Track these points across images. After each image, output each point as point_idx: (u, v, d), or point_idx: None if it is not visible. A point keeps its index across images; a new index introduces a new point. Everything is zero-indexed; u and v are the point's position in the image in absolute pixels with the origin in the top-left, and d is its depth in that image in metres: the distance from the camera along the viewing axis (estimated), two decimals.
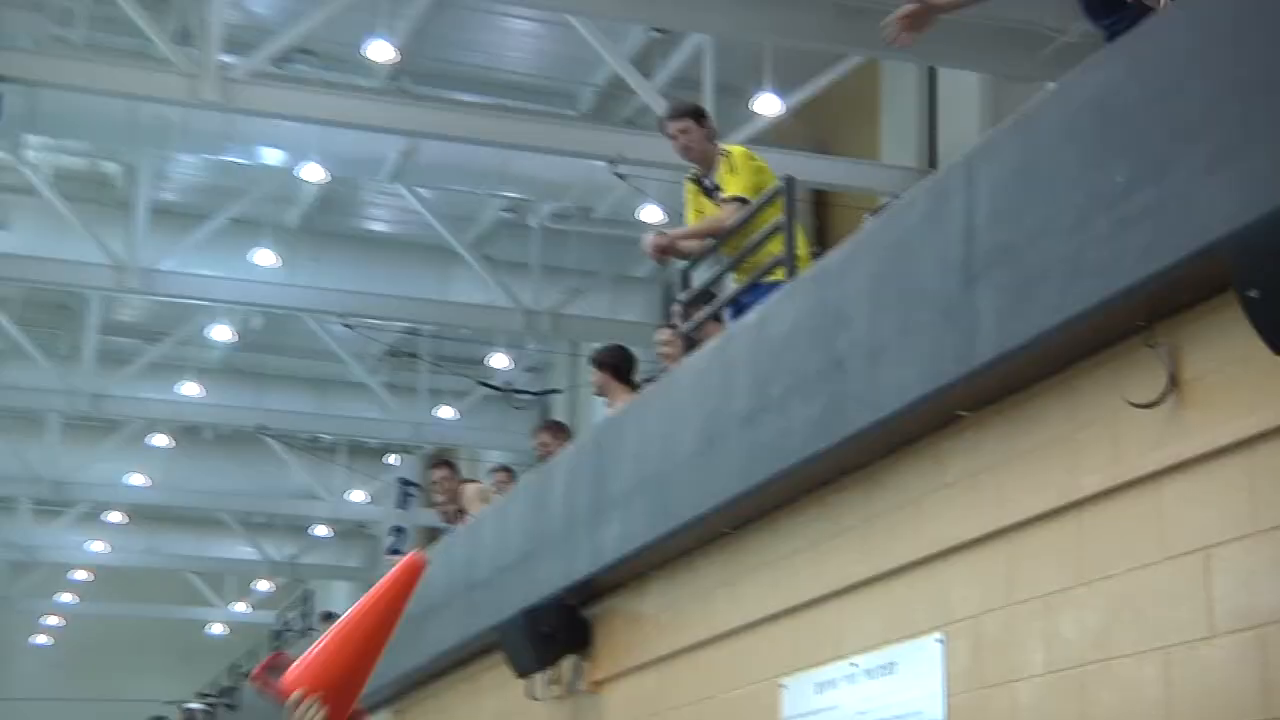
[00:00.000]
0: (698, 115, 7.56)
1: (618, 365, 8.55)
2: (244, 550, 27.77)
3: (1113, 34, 4.94)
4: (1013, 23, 12.63)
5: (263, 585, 30.89)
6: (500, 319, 18.13)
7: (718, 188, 7.39)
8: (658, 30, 14.68)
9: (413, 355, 21.45)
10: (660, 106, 13.95)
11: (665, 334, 8.03)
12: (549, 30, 15.25)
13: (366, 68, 15.07)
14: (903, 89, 15.21)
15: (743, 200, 7.23)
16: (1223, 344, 3.95)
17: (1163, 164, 3.90)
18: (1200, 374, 4.06)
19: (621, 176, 14.05)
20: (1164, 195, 3.88)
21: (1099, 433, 4.39)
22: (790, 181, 6.84)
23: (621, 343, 9.26)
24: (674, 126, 7.48)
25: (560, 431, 10.10)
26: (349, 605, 4.22)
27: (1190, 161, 3.80)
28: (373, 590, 3.69)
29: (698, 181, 7.54)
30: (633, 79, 14.09)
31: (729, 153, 7.45)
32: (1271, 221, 3.51)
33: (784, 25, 12.78)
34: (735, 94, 14.77)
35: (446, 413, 22.08)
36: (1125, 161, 4.04)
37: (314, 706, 3.48)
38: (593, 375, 8.71)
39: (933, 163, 14.65)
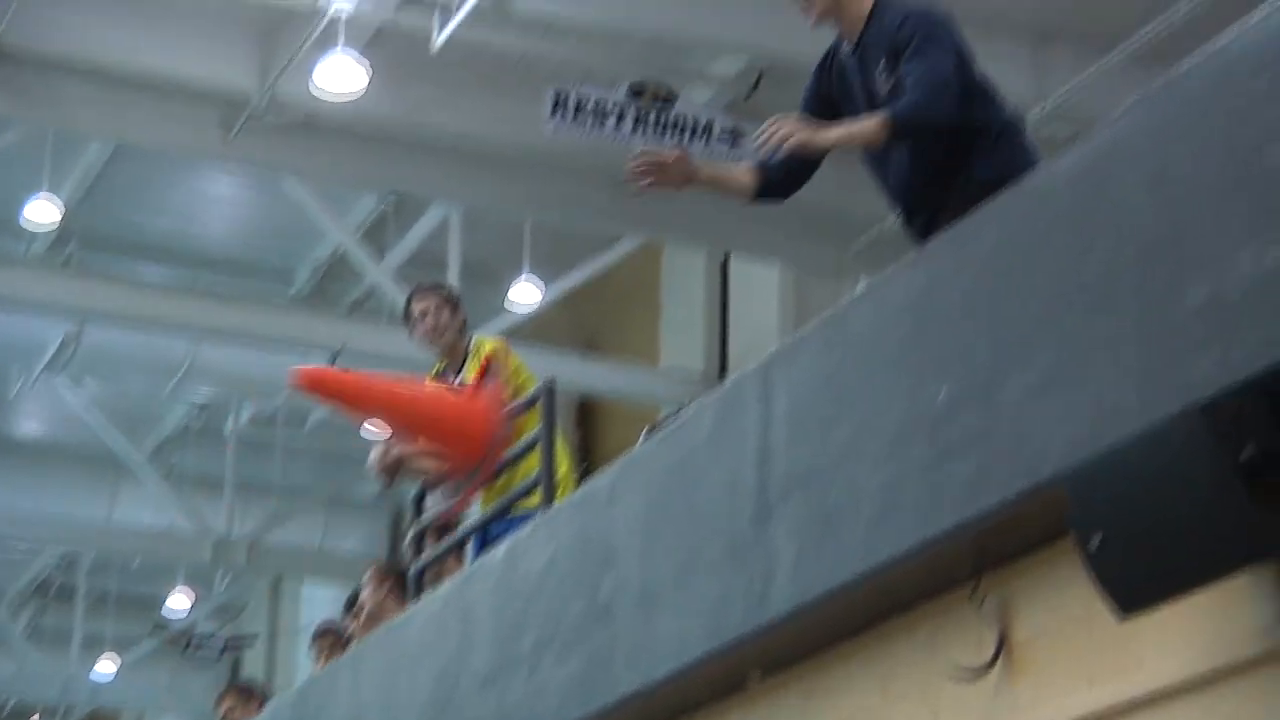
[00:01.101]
0: (449, 297, 7.63)
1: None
2: None
3: (926, 233, 5.17)
4: (820, 209, 13.06)
5: None
6: (183, 548, 17.74)
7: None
8: (393, 197, 14.81)
9: (66, 593, 20.81)
10: (393, 288, 14.02)
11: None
12: (257, 193, 15.26)
13: (24, 232, 14.84)
14: (689, 280, 15.54)
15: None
16: (1061, 600, 4.05)
17: (991, 382, 4.03)
18: (1034, 635, 4.15)
19: None
20: (992, 420, 4.00)
21: (915, 706, 4.44)
22: (550, 386, 6.88)
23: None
24: (419, 306, 7.52)
25: (250, 697, 9.89)
26: None
27: (1023, 380, 3.93)
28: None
29: (441, 380, 7.56)
30: (361, 256, 14.13)
31: (481, 347, 7.50)
32: (1117, 456, 3.63)
33: (548, 198, 13.02)
34: (488, 279, 14.94)
35: (106, 667, 21.37)
36: (947, 378, 4.16)
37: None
38: (367, 587, 8.25)
39: (723, 369, 14.93)
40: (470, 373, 7.42)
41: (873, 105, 5.32)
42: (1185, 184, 3.57)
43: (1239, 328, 3.34)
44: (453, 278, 14.06)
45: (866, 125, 5.19)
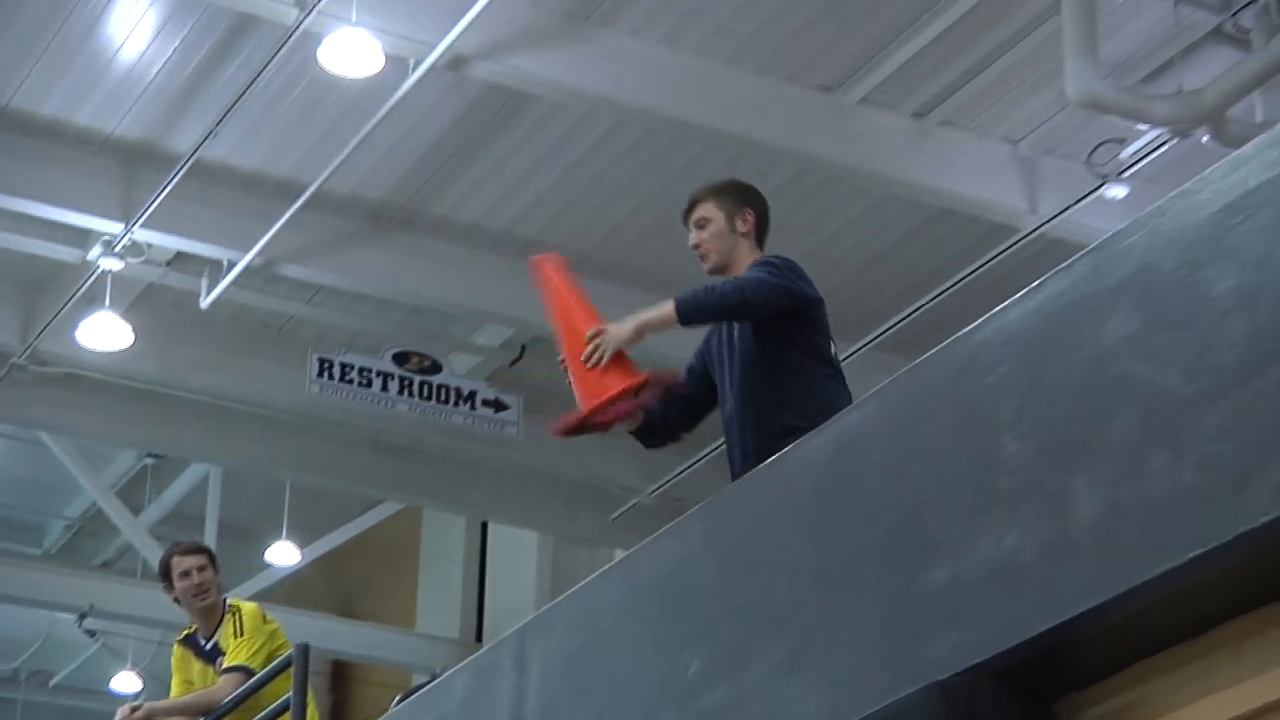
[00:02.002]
0: (214, 556, 7.53)
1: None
2: None
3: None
4: (580, 477, 13.17)
5: None
6: None
7: (219, 652, 7.28)
8: (151, 456, 14.59)
9: None
10: (147, 546, 13.73)
11: None
12: (13, 446, 14.92)
13: None
14: (448, 545, 15.49)
15: (247, 671, 7.13)
16: None
17: (741, 657, 4.07)
18: None
19: (92, 634, 13.61)
20: (741, 694, 4.03)
21: None
22: (304, 649, 6.77)
23: None
24: (186, 563, 7.38)
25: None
26: None
27: (772, 656, 3.98)
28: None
29: (192, 643, 7.41)
30: (116, 512, 13.85)
31: (238, 610, 7.38)
32: None
33: (310, 460, 12.93)
34: (245, 538, 14.72)
35: None
36: (698, 649, 4.20)
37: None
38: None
39: (479, 636, 14.82)
40: (227, 634, 7.29)
41: (731, 348, 5.37)
42: (927, 470, 3.68)
43: (976, 610, 3.42)
44: (209, 537, 13.83)
45: (664, 310, 5.21)
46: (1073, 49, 8.46)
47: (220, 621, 7.36)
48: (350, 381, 11.77)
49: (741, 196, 5.45)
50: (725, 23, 9.34)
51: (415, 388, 11.96)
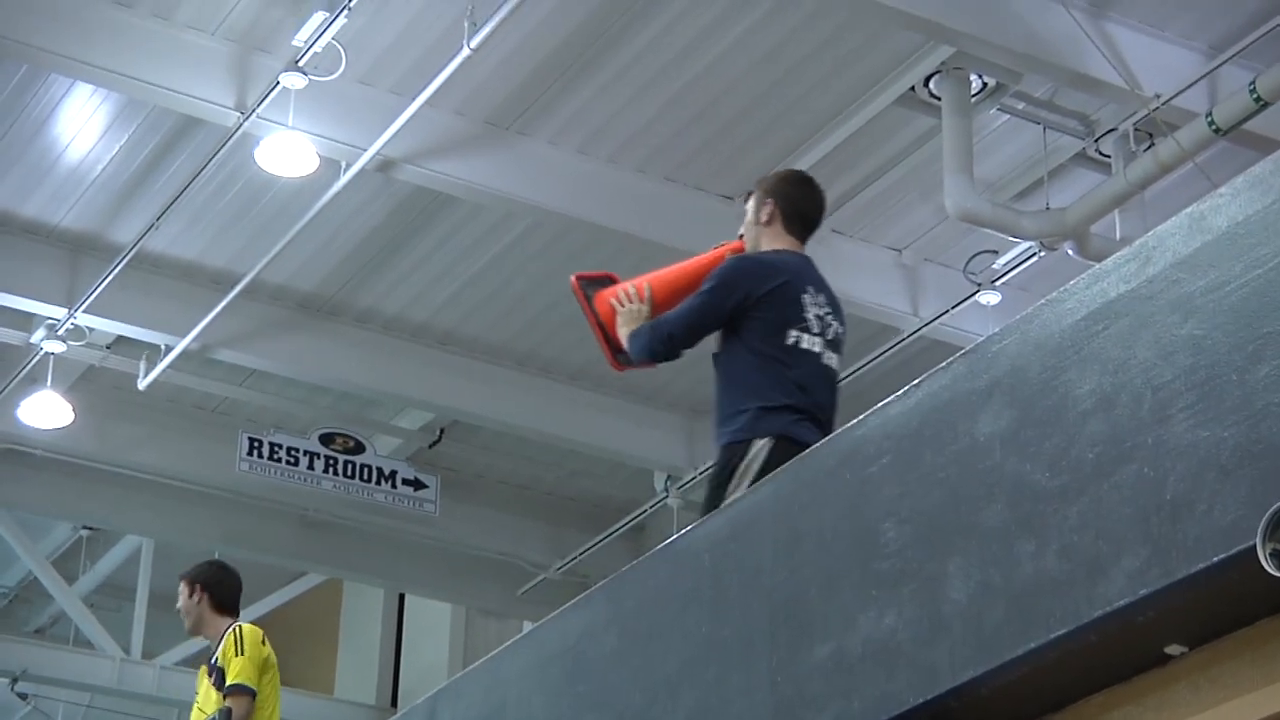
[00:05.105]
0: (197, 582, 7.57)
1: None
2: None
3: None
4: (493, 552, 13.12)
5: None
6: None
7: (217, 669, 7.24)
8: (87, 528, 14.40)
9: None
10: (80, 614, 13.53)
11: None
12: None
13: None
14: (366, 615, 15.35)
15: (248, 691, 7.09)
16: None
17: None
18: None
19: (24, 696, 13.36)
20: None
21: None
22: (226, 713, 6.71)
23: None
24: (179, 589, 7.55)
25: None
26: None
27: None
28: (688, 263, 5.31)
29: (209, 664, 7.43)
30: (51, 581, 13.64)
31: (239, 631, 7.35)
32: None
33: (237, 533, 12.81)
34: (175, 608, 14.48)
35: None
36: (599, 717, 4.19)
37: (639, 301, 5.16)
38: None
39: (394, 701, 14.68)
40: (227, 651, 7.24)
41: None
42: (813, 552, 3.70)
43: (857, 684, 3.44)
44: (140, 606, 13.65)
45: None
46: (951, 168, 8.59)
47: (220, 640, 7.34)
48: (278, 460, 11.68)
49: (769, 188, 5.33)
50: (635, 135, 9.43)
51: (340, 467, 11.89)
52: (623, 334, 5.19)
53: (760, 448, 4.82)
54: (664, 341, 5.10)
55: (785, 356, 5.03)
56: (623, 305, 5.20)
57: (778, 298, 5.09)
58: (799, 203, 5.33)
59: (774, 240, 5.26)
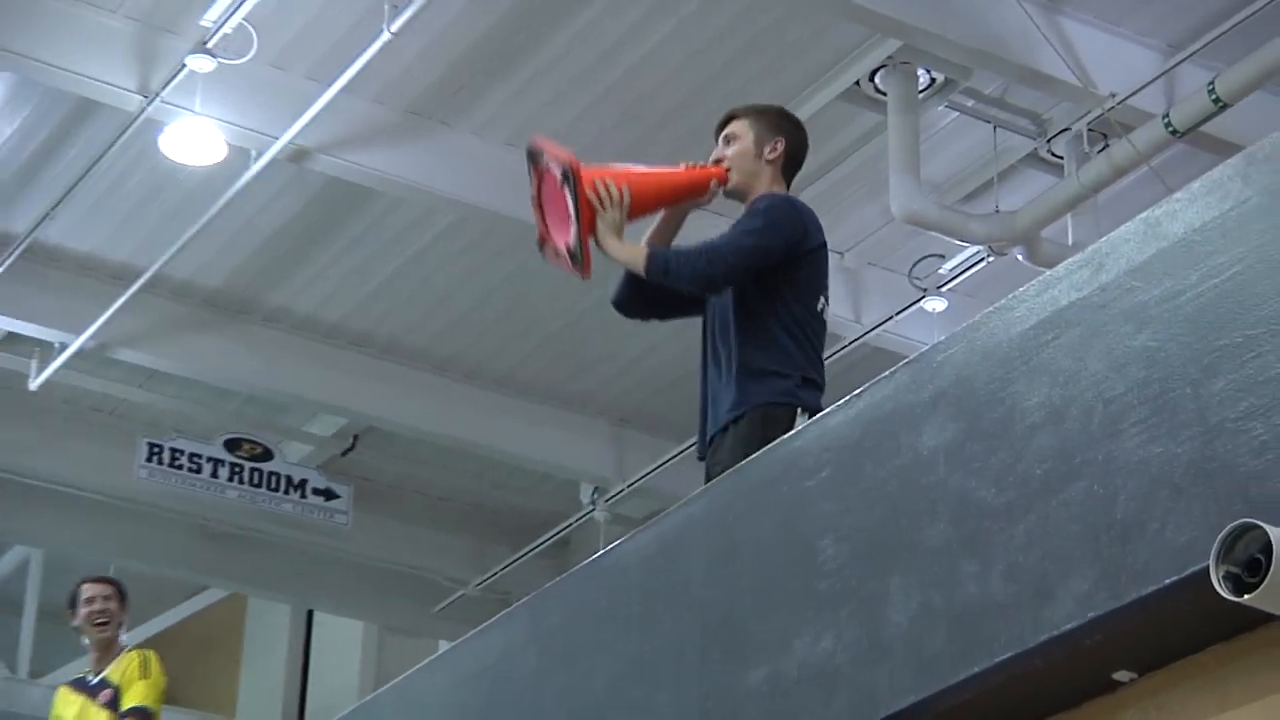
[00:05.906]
0: (122, 593, 7.49)
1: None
2: None
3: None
4: (408, 567, 13.07)
5: None
6: None
7: (106, 685, 7.15)
8: None
9: None
10: None
11: None
12: None
13: None
14: (271, 633, 15.26)
15: (149, 715, 7.05)
16: None
17: None
18: None
19: None
20: None
21: None
22: None
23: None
24: (91, 590, 7.38)
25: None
26: None
27: None
28: (662, 172, 5.08)
29: (78, 683, 7.33)
30: None
31: (147, 656, 7.32)
32: None
33: (135, 545, 12.71)
34: (65, 623, 14.33)
35: None
36: None
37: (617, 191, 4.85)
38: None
39: None
40: (128, 672, 7.18)
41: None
42: (747, 569, 3.71)
43: (792, 709, 3.46)
44: (29, 621, 13.51)
45: (637, 253, 4.89)
46: (897, 167, 8.64)
47: (114, 659, 7.27)
48: (180, 467, 11.60)
49: (777, 124, 5.07)
50: (567, 128, 9.41)
51: (246, 475, 11.81)
52: (609, 244, 4.82)
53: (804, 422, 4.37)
54: (723, 276, 4.77)
55: (815, 324, 4.83)
56: (604, 209, 4.83)
57: (821, 258, 4.89)
58: (800, 149, 5.10)
59: (773, 183, 4.99)
